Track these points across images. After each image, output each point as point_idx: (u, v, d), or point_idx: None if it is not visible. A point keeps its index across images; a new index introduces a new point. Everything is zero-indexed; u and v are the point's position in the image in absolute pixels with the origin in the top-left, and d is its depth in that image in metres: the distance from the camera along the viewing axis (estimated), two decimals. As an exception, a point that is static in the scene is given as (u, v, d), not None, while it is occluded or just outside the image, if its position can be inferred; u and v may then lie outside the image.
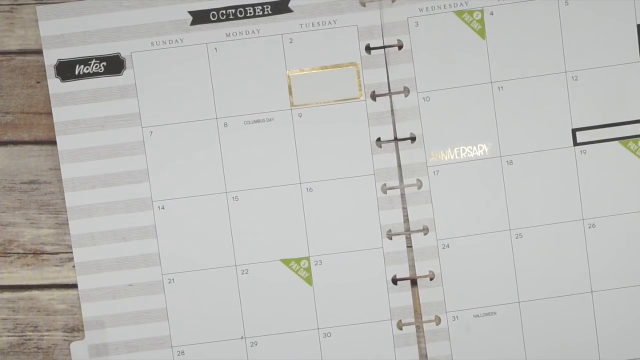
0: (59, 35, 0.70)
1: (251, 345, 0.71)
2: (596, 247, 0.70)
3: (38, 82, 0.72)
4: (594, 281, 0.71)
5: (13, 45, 0.72)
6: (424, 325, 0.71)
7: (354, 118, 0.70)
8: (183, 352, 0.71)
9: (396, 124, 0.71)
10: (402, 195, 0.71)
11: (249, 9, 0.70)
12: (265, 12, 0.70)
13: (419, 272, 0.71)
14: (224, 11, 0.70)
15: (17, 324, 0.72)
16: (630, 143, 0.70)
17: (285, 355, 0.71)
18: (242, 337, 0.71)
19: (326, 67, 0.70)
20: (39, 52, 0.71)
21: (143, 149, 0.71)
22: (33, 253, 0.72)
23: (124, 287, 0.71)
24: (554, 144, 0.70)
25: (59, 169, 0.71)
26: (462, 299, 0.71)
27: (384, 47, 0.70)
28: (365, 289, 0.71)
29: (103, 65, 0.70)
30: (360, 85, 0.71)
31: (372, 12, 0.70)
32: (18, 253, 0.72)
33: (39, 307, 0.72)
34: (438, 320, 0.71)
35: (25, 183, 0.72)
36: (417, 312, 0.71)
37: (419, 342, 0.71)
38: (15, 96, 0.72)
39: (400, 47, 0.70)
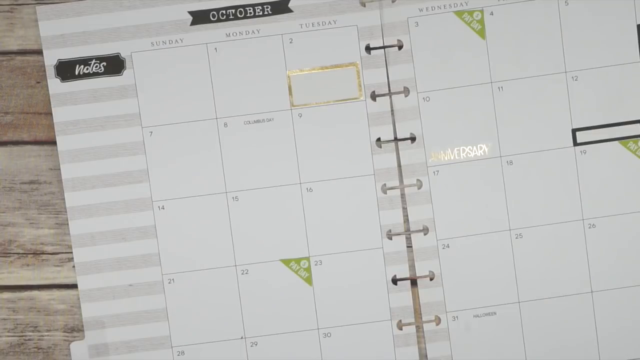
0: (59, 35, 0.70)
1: (251, 345, 0.71)
2: (596, 247, 0.70)
3: (38, 82, 0.72)
4: (594, 281, 0.71)
5: (13, 45, 0.72)
6: (424, 325, 0.71)
7: (354, 118, 0.70)
8: (183, 352, 0.71)
9: (396, 124, 0.71)
10: (402, 195, 0.71)
11: (249, 9, 0.70)
12: (265, 12, 0.70)
13: (419, 272, 0.71)
14: (224, 11, 0.70)
15: (17, 324, 0.72)
16: (630, 143, 0.70)
17: (285, 355, 0.71)
18: (242, 337, 0.71)
19: (326, 67, 0.70)
20: (39, 52, 0.71)
21: (143, 149, 0.71)
22: (33, 253, 0.72)
23: (124, 287, 0.71)
24: (554, 144, 0.70)
25: (59, 169, 0.71)
26: (462, 299, 0.71)
27: (384, 47, 0.70)
28: (365, 289, 0.71)
29: (103, 65, 0.70)
30: (360, 86, 0.71)
31: (372, 12, 0.70)
32: (18, 253, 0.72)
33: (39, 307, 0.72)
34: (438, 320, 0.71)
35: (25, 183, 0.72)
36: (417, 312, 0.71)
37: (419, 342, 0.71)
38: (15, 96, 0.72)
39: (400, 47, 0.70)
